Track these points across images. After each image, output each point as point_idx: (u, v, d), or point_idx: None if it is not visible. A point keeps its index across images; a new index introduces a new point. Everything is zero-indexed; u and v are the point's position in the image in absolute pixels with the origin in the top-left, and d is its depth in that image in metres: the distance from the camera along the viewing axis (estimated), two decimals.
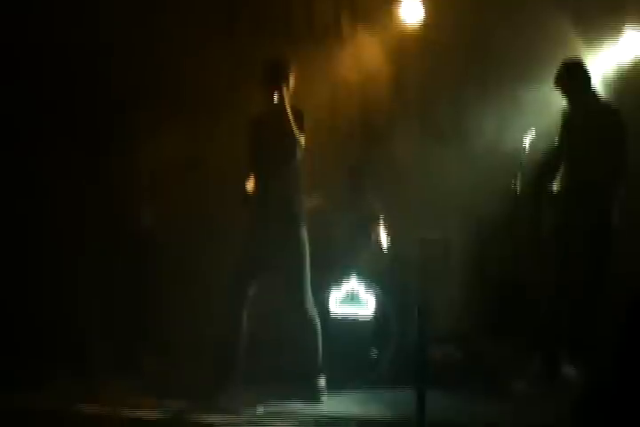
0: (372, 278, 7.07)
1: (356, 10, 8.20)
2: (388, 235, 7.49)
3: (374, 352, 6.91)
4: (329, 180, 7.63)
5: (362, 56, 8.21)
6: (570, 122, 6.82)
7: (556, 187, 6.83)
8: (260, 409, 6.10)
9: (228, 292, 6.44)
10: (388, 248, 7.43)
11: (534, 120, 7.36)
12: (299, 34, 8.03)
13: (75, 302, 6.94)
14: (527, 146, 7.06)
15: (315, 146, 6.64)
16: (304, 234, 6.48)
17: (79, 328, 6.90)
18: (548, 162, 6.99)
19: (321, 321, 6.54)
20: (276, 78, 6.34)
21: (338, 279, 7.04)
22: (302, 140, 6.39)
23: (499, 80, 7.79)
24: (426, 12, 8.01)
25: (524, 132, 7.14)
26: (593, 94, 6.82)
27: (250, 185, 6.44)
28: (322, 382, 6.46)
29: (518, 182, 7.09)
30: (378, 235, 7.44)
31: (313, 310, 6.49)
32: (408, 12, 8.03)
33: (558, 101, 7.01)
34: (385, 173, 7.98)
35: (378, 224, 7.47)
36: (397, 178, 7.99)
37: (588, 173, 6.61)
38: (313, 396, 6.38)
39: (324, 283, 6.99)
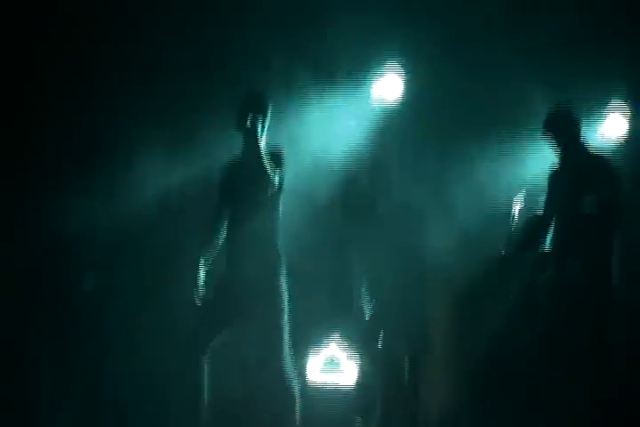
0: (354, 345, 6.32)
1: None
2: (371, 301, 6.81)
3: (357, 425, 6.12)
4: (312, 246, 6.99)
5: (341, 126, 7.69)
6: (559, 174, 6.29)
7: (548, 248, 6.25)
8: None
9: (188, 347, 5.57)
10: (372, 315, 6.72)
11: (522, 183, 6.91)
12: None
13: None
14: (517, 210, 6.59)
15: (296, 215, 6.09)
16: (283, 283, 5.67)
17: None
18: (537, 223, 6.45)
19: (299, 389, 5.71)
20: (251, 109, 5.72)
21: (318, 345, 6.30)
22: (277, 179, 5.71)
23: (482, 147, 7.26)
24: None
25: (513, 196, 6.69)
26: (582, 143, 6.27)
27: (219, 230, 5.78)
28: None
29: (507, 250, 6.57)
30: (361, 301, 6.76)
31: (290, 373, 5.60)
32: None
33: (545, 160, 6.53)
34: (370, 244, 7.30)
35: (361, 291, 6.81)
36: (382, 249, 7.32)
37: (583, 229, 6.05)
38: None
39: (303, 347, 6.25)
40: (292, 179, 6.14)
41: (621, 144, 7.40)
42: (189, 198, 6.77)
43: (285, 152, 5.83)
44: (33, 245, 6.62)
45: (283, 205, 5.83)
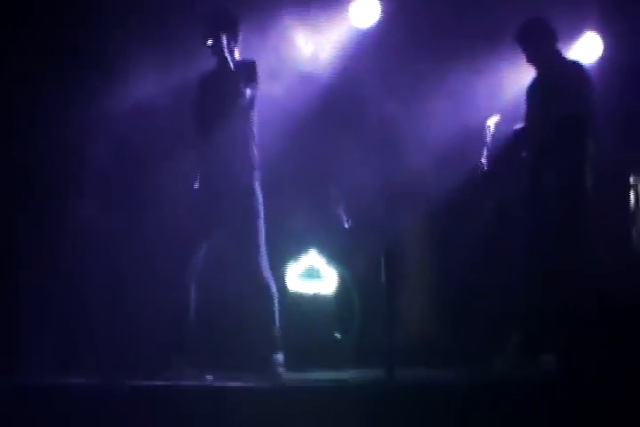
0: (334, 255, 6.37)
1: None
2: (348, 218, 6.83)
3: (337, 333, 6.18)
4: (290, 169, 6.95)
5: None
6: (535, 86, 6.26)
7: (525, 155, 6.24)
8: (210, 378, 5.30)
9: (174, 258, 5.63)
10: (350, 228, 6.75)
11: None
12: None
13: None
14: (491, 130, 6.55)
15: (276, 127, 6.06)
16: (258, 189, 5.68)
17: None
18: (512, 136, 6.43)
19: (278, 297, 5.66)
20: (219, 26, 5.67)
21: (297, 253, 6.34)
22: (249, 89, 5.65)
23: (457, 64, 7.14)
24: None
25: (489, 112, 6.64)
26: (556, 53, 6.23)
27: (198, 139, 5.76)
28: (280, 359, 5.54)
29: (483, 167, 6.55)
30: (340, 215, 6.77)
31: (269, 277, 5.60)
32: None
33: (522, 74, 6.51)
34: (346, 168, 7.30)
35: (339, 207, 6.82)
36: (358, 172, 7.32)
37: (555, 140, 6.00)
38: (270, 375, 5.45)
39: (283, 257, 6.26)
40: (272, 92, 6.18)
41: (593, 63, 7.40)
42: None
43: (258, 64, 5.75)
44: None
45: (262, 118, 5.83)
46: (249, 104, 5.74)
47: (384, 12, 7.38)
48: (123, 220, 6.53)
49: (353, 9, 7.42)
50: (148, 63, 6.46)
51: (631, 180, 7.14)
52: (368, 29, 7.40)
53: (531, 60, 6.21)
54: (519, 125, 6.34)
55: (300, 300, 6.22)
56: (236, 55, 5.79)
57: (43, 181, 6.45)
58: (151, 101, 6.48)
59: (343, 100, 7.47)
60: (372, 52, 7.40)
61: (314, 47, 7.25)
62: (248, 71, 5.66)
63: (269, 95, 6.12)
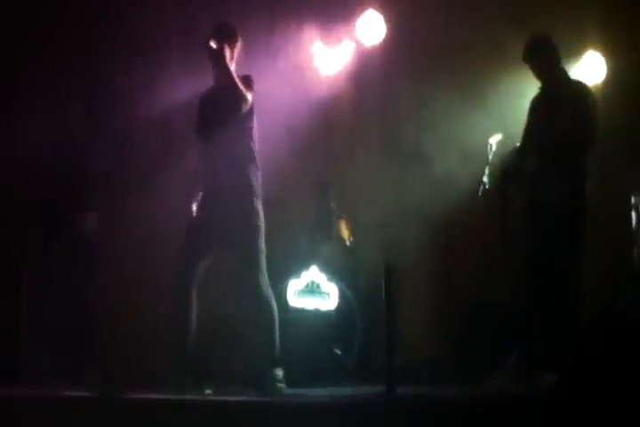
0: (334, 271, 6.33)
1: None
2: (350, 235, 6.83)
3: (337, 349, 6.14)
4: (293, 186, 7.00)
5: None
6: (539, 102, 6.25)
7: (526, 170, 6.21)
8: (209, 392, 5.26)
9: (176, 271, 5.55)
10: (351, 244, 6.76)
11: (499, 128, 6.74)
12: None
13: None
14: (493, 148, 6.52)
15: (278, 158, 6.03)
16: (259, 206, 5.62)
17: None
18: (516, 152, 6.41)
19: (279, 312, 5.60)
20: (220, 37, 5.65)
21: (298, 269, 6.28)
22: (249, 101, 5.62)
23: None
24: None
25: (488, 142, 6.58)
26: (561, 68, 6.22)
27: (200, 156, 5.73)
28: (280, 374, 5.50)
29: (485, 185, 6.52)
30: (340, 230, 6.76)
31: (269, 293, 5.55)
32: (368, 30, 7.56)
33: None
34: (348, 187, 7.28)
35: (340, 222, 6.82)
36: (360, 192, 7.32)
37: (556, 156, 5.97)
38: (270, 390, 5.40)
39: (285, 272, 6.22)
40: (274, 107, 6.16)
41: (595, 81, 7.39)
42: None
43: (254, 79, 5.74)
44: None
45: (263, 133, 5.79)
46: (247, 117, 5.71)
47: (389, 31, 7.45)
48: (125, 232, 6.55)
49: (359, 26, 7.48)
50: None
51: (632, 199, 7.16)
52: (373, 47, 7.46)
53: (537, 76, 6.21)
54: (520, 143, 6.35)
55: (300, 315, 6.18)
56: (233, 68, 5.76)
57: (47, 193, 6.47)
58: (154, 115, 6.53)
59: (346, 117, 7.53)
60: (375, 70, 7.48)
61: (320, 61, 7.32)
62: (245, 85, 5.64)
63: (271, 110, 6.14)
